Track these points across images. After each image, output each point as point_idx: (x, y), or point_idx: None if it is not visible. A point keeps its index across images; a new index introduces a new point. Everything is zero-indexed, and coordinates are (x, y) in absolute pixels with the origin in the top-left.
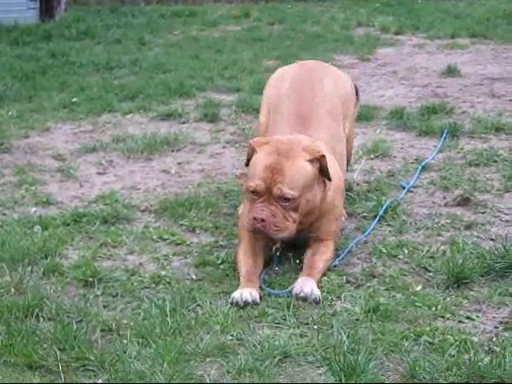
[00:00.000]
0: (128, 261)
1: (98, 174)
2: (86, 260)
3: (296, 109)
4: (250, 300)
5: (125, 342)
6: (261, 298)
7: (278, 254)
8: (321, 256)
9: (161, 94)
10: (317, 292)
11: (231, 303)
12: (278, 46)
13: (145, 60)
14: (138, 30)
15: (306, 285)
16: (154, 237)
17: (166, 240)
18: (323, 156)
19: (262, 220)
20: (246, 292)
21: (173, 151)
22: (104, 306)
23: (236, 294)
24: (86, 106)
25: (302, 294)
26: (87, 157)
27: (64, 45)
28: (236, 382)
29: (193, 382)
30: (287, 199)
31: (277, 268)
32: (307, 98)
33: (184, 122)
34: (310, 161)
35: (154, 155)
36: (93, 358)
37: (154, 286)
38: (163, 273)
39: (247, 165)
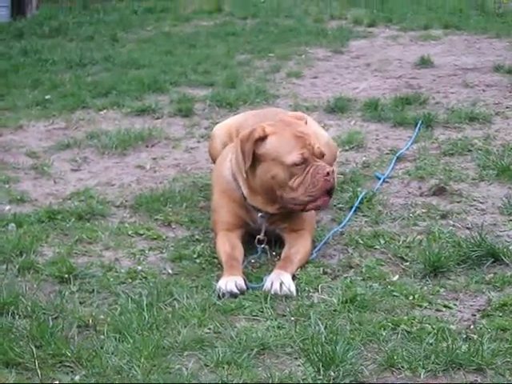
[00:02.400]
0: (104, 256)
1: (73, 170)
2: (62, 256)
3: (259, 120)
4: (235, 290)
5: (102, 337)
6: (246, 284)
7: (263, 245)
8: (298, 249)
9: (134, 90)
10: (288, 286)
11: (218, 295)
12: (251, 40)
13: (118, 56)
14: (111, 27)
15: (276, 279)
16: (130, 232)
17: (141, 235)
18: (306, 119)
19: (332, 172)
20: (231, 282)
21: (147, 146)
22: (80, 302)
23: (221, 285)
24: (60, 103)
25: (272, 291)
26: (61, 154)
27: (36, 42)
28: (214, 375)
29: (171, 375)
30: (323, 156)
31: (253, 261)
32: (269, 116)
33: (158, 118)
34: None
35: (129, 151)
36: (70, 355)
37: (130, 281)
38: (139, 268)
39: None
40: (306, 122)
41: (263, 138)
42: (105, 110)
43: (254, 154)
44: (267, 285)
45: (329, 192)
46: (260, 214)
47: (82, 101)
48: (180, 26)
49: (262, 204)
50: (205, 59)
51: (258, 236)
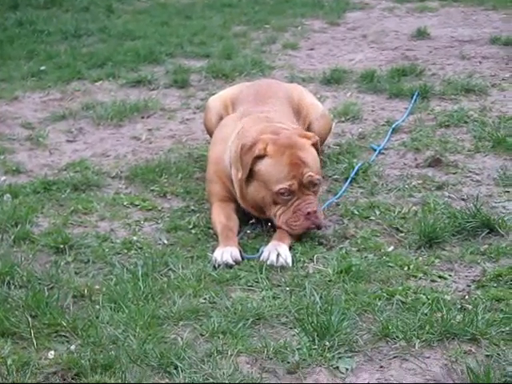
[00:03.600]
0: (99, 227)
1: (68, 141)
2: (57, 227)
3: (254, 92)
4: (231, 261)
5: (97, 307)
6: (241, 254)
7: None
8: None
9: (130, 61)
10: (284, 258)
11: (213, 265)
12: (247, 11)
13: (113, 27)
14: None
15: (273, 251)
16: (125, 203)
17: (137, 206)
18: (317, 140)
19: (314, 212)
20: (227, 252)
21: (143, 118)
22: (75, 273)
23: (217, 256)
24: (55, 74)
25: (268, 262)
26: (56, 125)
27: (31, 13)
28: (209, 344)
29: (166, 345)
30: (315, 184)
31: (249, 231)
32: (265, 87)
33: (154, 89)
34: (313, 145)
35: (124, 122)
36: (65, 324)
37: (125, 251)
38: (135, 238)
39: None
40: (315, 144)
41: (262, 157)
42: (100, 81)
43: (251, 169)
44: (264, 255)
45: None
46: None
47: (78, 72)
48: None
49: (251, 209)
50: (201, 30)
51: (250, 221)
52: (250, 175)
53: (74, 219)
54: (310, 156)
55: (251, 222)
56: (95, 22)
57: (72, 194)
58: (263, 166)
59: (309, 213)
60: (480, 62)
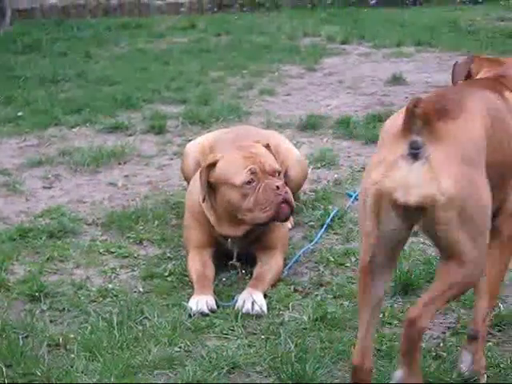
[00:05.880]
0: (75, 275)
1: (44, 188)
2: (33, 275)
3: (232, 138)
4: (206, 310)
5: (72, 356)
6: (217, 302)
7: (237, 270)
8: (270, 267)
9: (107, 107)
10: (260, 306)
11: (188, 314)
12: (224, 57)
13: (91, 73)
14: (84, 43)
15: (248, 298)
16: (101, 250)
17: (113, 253)
18: (269, 145)
19: (284, 186)
20: (202, 301)
21: (119, 164)
22: (51, 321)
23: (192, 305)
24: (32, 119)
25: (243, 310)
26: (33, 171)
27: (9, 58)
28: None
29: None
30: (278, 172)
31: (224, 279)
32: (243, 133)
33: (131, 135)
34: (266, 147)
35: (101, 168)
36: (40, 374)
37: (101, 299)
38: (110, 286)
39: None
40: (268, 145)
41: (214, 164)
42: (77, 127)
43: (209, 183)
44: (239, 303)
45: (286, 202)
46: (230, 240)
47: (55, 118)
48: (154, 42)
49: (229, 230)
50: (178, 76)
51: (230, 262)
52: (214, 189)
53: (50, 267)
54: (262, 151)
55: (231, 262)
56: (73, 67)
57: (48, 241)
58: (218, 170)
59: (277, 187)
60: None
